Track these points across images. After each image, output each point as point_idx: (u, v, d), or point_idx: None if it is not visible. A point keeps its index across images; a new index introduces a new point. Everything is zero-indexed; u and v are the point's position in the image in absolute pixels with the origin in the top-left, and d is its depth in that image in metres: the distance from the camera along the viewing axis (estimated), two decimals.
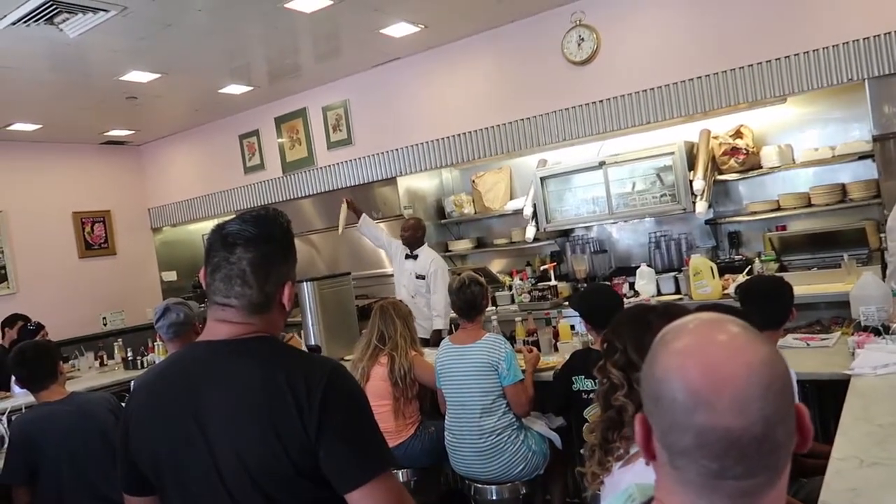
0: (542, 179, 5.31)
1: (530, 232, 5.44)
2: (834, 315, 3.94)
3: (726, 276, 4.42)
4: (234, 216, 1.38)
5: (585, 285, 5.13)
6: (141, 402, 1.39)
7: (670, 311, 1.57)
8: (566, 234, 5.65)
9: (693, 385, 0.76)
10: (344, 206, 5.42)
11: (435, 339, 4.59)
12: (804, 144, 4.58)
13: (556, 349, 3.84)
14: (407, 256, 5.19)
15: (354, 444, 1.27)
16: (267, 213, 1.39)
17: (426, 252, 5.20)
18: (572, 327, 4.02)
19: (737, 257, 4.75)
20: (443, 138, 5.69)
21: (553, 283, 5.10)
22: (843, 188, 4.39)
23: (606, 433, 1.53)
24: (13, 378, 4.71)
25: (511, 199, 5.83)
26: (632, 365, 1.51)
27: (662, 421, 0.80)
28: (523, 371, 3.22)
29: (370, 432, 1.32)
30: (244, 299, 1.32)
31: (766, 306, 2.43)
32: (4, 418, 3.30)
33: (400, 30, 5.04)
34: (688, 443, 0.77)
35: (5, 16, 3.87)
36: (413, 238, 5.15)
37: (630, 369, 1.51)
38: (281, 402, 1.24)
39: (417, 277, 5.09)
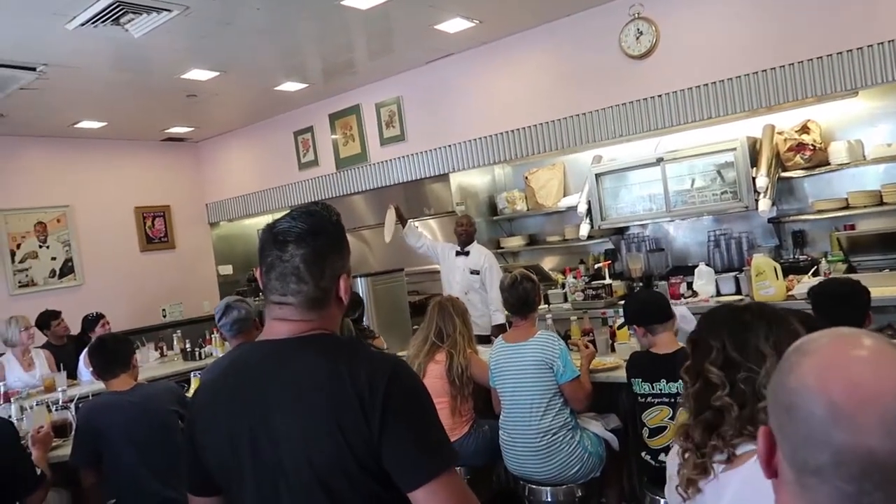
0: (598, 176, 5.22)
1: (584, 229, 5.35)
2: None
3: (791, 276, 4.26)
4: (284, 213, 1.37)
5: (640, 285, 5.03)
6: (206, 403, 1.40)
7: (765, 311, 1.52)
8: (621, 231, 5.54)
9: (835, 398, 0.70)
10: (392, 212, 5.45)
11: (496, 334, 4.57)
12: (876, 140, 4.38)
13: (613, 349, 3.77)
14: (458, 253, 5.20)
15: (418, 442, 1.25)
16: (316, 207, 1.38)
17: (477, 248, 5.23)
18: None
19: (802, 257, 4.57)
20: (496, 134, 5.65)
21: (608, 281, 5.01)
22: None
23: (704, 435, 1.44)
24: (79, 366, 4.93)
25: (564, 195, 5.76)
26: (732, 364, 1.45)
27: (795, 434, 0.73)
28: (579, 367, 3.17)
29: (434, 430, 1.29)
30: (301, 296, 1.31)
31: (841, 311, 2.31)
32: (73, 405, 3.43)
33: (454, 25, 5.01)
34: (823, 460, 0.70)
35: (74, 17, 4.00)
36: (469, 234, 5.21)
37: (730, 368, 1.45)
38: (344, 397, 1.23)
39: (472, 273, 5.10)
